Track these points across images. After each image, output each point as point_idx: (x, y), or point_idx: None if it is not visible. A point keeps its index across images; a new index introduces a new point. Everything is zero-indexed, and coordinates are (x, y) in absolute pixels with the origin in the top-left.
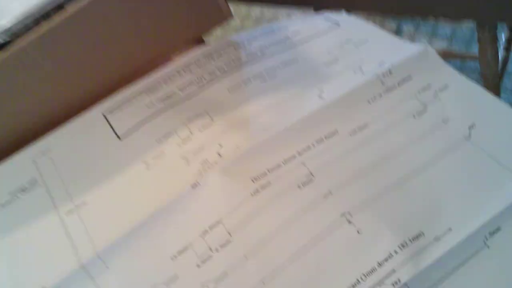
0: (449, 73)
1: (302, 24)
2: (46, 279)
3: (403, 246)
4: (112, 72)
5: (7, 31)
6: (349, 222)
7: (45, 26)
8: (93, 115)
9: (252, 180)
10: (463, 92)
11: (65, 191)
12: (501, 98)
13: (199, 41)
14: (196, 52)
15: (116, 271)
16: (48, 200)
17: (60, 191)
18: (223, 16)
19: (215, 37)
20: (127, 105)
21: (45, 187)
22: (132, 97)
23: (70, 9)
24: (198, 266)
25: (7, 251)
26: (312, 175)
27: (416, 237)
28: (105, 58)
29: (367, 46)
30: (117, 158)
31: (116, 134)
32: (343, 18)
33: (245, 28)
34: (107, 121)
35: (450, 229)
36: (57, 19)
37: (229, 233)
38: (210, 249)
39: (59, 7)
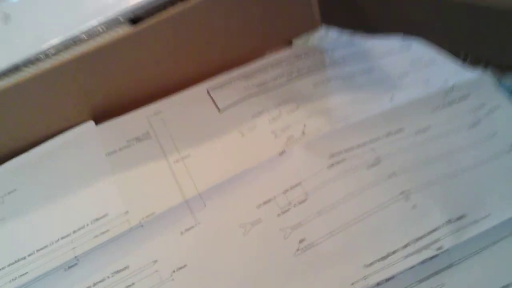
0: (501, 97)
1: (379, 41)
2: (156, 206)
3: (448, 222)
4: (216, 57)
5: (140, 8)
6: (407, 199)
7: (174, 10)
8: (199, 89)
9: (330, 156)
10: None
11: (173, 145)
12: None
13: (289, 42)
14: (287, 52)
15: (211, 209)
16: (159, 150)
17: (169, 145)
18: (314, 24)
19: (303, 40)
20: (228, 86)
21: (156, 139)
22: (232, 80)
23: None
24: (278, 215)
25: (123, 183)
26: (380, 159)
27: (460, 217)
28: (212, 46)
29: (434, 66)
30: (217, 125)
31: (217, 107)
32: (414, 41)
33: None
34: (210, 96)
35: (489, 215)
36: (181, 7)
37: (306, 194)
38: (290, 203)
39: None
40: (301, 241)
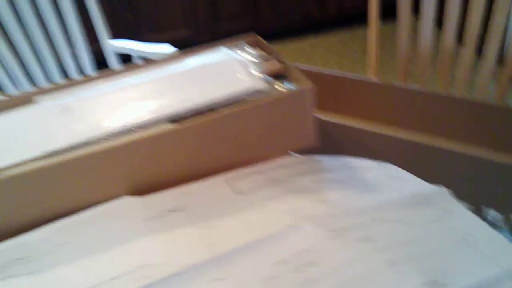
0: (456, 203)
1: (361, 160)
2: (190, 260)
3: (424, 284)
4: (232, 156)
5: (179, 114)
6: (392, 265)
7: (204, 118)
8: (219, 178)
9: (330, 231)
10: (464, 215)
11: (201, 217)
12: None
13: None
14: (290, 157)
15: (236, 265)
16: (189, 219)
17: (197, 216)
18: (311, 143)
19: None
20: (243, 178)
21: (186, 212)
22: (244, 175)
23: (219, 113)
24: (291, 272)
25: (162, 241)
26: (369, 237)
27: (432, 281)
28: (230, 147)
29: (404, 179)
30: (236, 205)
31: (234, 192)
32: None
33: None
34: (229, 184)
35: (453, 281)
36: (209, 116)
37: (313, 257)
38: (300, 263)
39: (212, 109)
40: None
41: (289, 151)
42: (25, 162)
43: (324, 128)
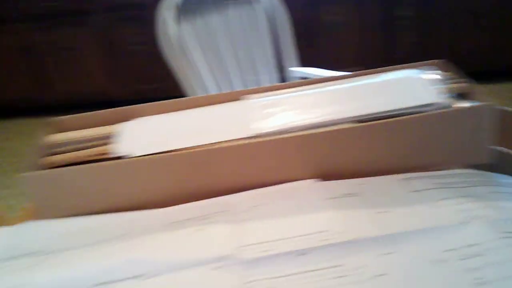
0: None
1: None
2: (365, 232)
3: None
4: (406, 159)
5: (362, 116)
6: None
7: (384, 121)
8: (393, 177)
9: (501, 232)
10: None
11: (375, 203)
12: None
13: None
14: (462, 169)
15: (406, 244)
16: (363, 204)
17: (371, 202)
18: (484, 161)
19: None
20: (414, 179)
21: (362, 198)
22: (417, 177)
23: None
24: (460, 259)
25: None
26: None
27: None
28: (404, 151)
29: None
30: (409, 200)
31: (407, 189)
32: None
33: None
34: (400, 183)
35: None
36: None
37: (483, 251)
38: (470, 254)
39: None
40: (476, 278)
41: (459, 165)
42: (231, 141)
43: (500, 153)
